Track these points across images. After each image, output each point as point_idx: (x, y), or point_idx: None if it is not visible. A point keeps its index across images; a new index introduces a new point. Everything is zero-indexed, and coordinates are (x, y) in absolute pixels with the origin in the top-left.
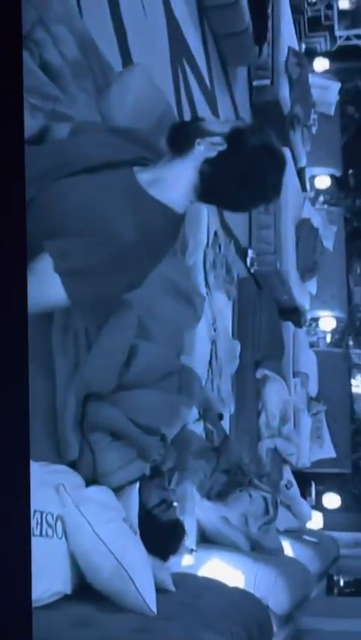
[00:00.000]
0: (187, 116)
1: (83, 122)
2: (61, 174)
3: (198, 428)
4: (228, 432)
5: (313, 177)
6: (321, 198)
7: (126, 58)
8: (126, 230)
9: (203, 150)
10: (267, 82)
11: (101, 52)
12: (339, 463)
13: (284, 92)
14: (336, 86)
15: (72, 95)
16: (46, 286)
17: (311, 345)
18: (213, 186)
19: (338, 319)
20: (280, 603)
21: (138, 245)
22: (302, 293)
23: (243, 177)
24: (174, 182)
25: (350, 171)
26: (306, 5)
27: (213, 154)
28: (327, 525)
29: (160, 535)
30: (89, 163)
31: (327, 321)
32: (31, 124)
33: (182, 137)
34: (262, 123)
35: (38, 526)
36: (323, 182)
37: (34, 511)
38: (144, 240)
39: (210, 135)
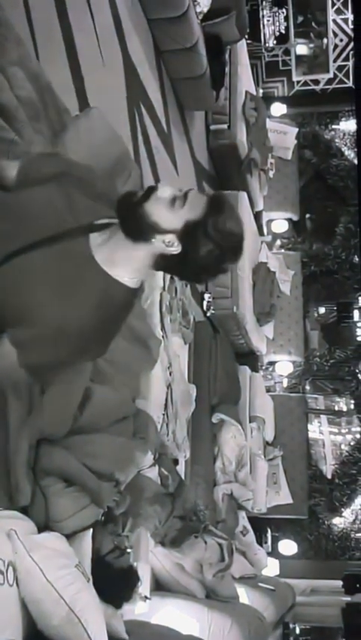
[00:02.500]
0: (144, 159)
1: (35, 157)
2: (20, 247)
3: (153, 473)
4: (183, 477)
5: (270, 221)
6: (278, 242)
7: (83, 102)
8: (89, 316)
9: (156, 246)
10: (224, 126)
11: (58, 95)
12: (296, 509)
13: (241, 136)
14: (294, 130)
15: (28, 138)
16: (7, 371)
17: (268, 390)
18: (169, 270)
19: (294, 363)
20: None
21: (100, 329)
22: (259, 337)
23: (200, 270)
24: (128, 263)
25: (308, 215)
26: (264, 51)
27: (166, 253)
28: (283, 572)
29: (113, 582)
30: (45, 233)
31: (284, 366)
32: None
33: (132, 222)
34: (218, 201)
35: None
36: (280, 226)
37: None
38: (106, 321)
39: (162, 233)
